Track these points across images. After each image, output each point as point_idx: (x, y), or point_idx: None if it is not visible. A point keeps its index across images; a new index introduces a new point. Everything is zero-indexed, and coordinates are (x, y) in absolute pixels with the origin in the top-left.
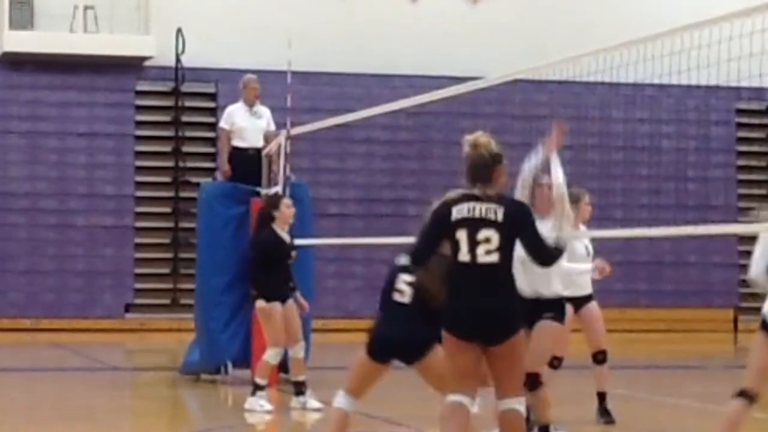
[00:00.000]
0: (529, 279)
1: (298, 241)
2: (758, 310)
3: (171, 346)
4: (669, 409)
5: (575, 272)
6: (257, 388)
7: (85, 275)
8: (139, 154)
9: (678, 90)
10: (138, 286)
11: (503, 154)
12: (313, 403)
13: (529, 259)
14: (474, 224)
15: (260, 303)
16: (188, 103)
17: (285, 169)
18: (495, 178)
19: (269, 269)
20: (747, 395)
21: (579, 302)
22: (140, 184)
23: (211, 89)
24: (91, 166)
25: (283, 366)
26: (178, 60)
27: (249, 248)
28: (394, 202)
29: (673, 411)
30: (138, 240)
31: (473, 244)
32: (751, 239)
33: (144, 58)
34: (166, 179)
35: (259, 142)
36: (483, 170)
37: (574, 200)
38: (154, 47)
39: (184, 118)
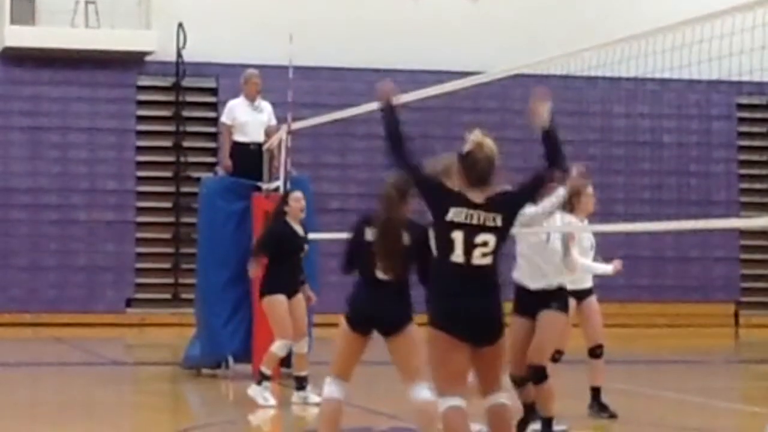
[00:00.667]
0: (534, 270)
1: None
2: (759, 304)
3: (172, 340)
4: (670, 404)
5: (595, 271)
6: (263, 377)
7: (87, 270)
8: (141, 149)
9: (679, 85)
10: (139, 281)
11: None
12: (314, 398)
13: (530, 251)
14: (472, 229)
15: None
16: (189, 98)
17: (286, 164)
18: (494, 180)
19: (280, 261)
20: None
21: (580, 295)
22: (141, 179)
23: (212, 84)
24: (92, 161)
25: (286, 360)
26: (179, 55)
27: (256, 240)
28: None
29: (674, 405)
30: (139, 235)
31: (470, 246)
32: (752, 234)
33: (145, 53)
34: (168, 174)
35: (260, 137)
36: (488, 172)
37: (575, 192)
38: (155, 42)
39: (185, 113)
